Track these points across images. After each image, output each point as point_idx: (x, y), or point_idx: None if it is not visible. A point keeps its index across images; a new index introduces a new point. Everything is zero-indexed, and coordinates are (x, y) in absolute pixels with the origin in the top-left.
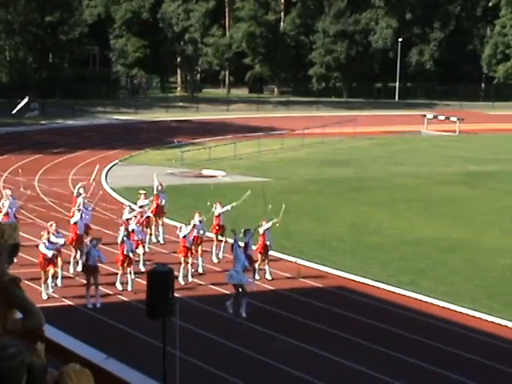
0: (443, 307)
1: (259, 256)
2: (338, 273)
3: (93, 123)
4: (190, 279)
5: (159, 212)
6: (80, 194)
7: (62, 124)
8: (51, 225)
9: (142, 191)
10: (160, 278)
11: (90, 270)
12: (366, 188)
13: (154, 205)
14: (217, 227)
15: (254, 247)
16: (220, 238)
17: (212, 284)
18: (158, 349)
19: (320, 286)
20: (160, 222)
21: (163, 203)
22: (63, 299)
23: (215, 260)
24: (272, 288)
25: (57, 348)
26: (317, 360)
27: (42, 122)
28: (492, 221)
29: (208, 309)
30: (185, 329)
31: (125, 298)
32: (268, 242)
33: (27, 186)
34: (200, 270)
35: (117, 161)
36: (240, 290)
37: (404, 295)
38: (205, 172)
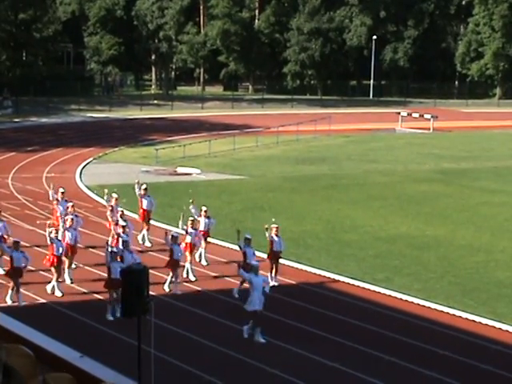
0: (418, 304)
1: (269, 263)
2: (313, 270)
3: (67, 121)
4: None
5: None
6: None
7: (36, 122)
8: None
9: (114, 195)
10: (135, 276)
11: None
12: (341, 185)
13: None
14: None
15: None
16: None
17: (187, 282)
18: (133, 347)
19: (295, 283)
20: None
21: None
22: (37, 298)
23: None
24: (247, 286)
25: (31, 346)
26: (293, 357)
27: (16, 120)
28: (466, 218)
29: (184, 307)
30: (160, 327)
31: (100, 297)
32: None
33: (1, 184)
34: (192, 278)
35: (91, 158)
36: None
37: (379, 292)
38: (180, 170)
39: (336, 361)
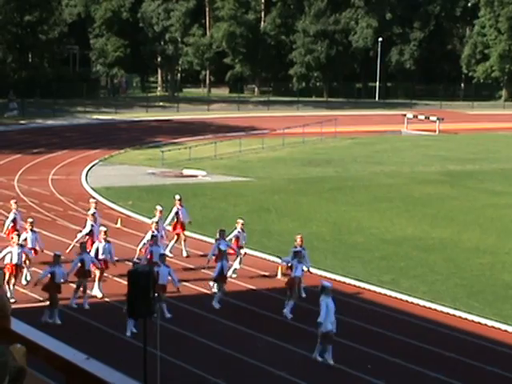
0: (424, 306)
1: None
2: (319, 272)
3: (73, 123)
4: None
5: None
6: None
7: (42, 124)
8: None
9: (158, 207)
10: (141, 278)
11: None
12: (347, 187)
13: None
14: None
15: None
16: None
17: (194, 284)
18: (138, 349)
19: (301, 285)
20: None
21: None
22: (43, 300)
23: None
24: (252, 287)
25: (37, 348)
26: (298, 359)
27: (22, 122)
28: (472, 220)
29: (189, 308)
30: (166, 329)
31: (105, 298)
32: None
33: (6, 186)
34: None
35: (97, 160)
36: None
37: (385, 294)
38: (185, 172)
39: (342, 362)
